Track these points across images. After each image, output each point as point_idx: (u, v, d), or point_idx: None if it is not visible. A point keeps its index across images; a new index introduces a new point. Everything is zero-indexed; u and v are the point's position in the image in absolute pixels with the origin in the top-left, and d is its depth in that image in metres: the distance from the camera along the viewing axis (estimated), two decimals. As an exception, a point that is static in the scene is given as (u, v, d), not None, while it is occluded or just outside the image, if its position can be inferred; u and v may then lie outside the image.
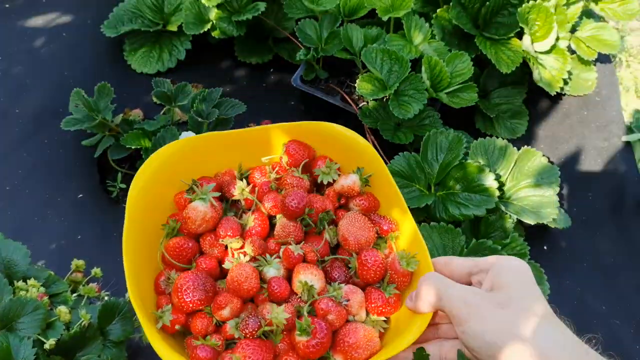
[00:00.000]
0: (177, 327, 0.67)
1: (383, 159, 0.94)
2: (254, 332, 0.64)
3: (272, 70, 1.32)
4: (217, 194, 0.72)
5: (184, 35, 1.30)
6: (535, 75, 1.19)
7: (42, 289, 0.77)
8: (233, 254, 0.71)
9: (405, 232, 0.72)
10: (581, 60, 1.31)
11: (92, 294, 0.84)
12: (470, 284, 0.60)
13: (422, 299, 0.60)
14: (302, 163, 0.76)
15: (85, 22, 1.36)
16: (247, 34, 1.32)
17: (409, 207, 0.80)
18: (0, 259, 0.81)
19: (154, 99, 1.23)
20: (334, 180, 0.76)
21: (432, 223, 0.92)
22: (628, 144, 1.22)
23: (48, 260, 0.96)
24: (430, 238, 0.91)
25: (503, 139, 1.19)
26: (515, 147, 1.00)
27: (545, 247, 1.06)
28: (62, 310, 0.76)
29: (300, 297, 0.67)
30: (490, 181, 0.91)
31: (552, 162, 1.19)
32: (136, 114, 1.19)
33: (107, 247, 1.00)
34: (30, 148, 1.12)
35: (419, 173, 0.97)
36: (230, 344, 0.66)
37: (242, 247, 0.72)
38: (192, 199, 0.70)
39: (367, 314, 0.68)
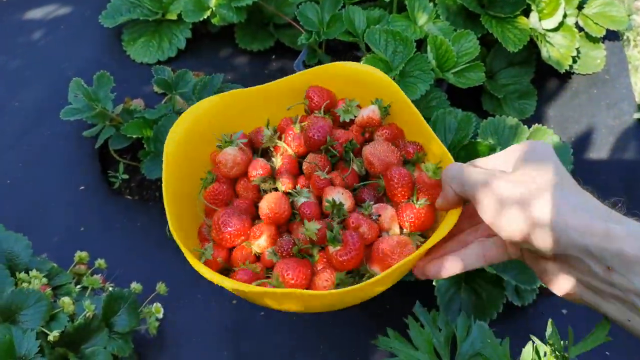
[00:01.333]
0: (218, 259, 0.68)
1: None
2: (289, 251, 0.66)
3: (273, 56, 1.30)
4: (245, 140, 0.74)
5: (184, 24, 1.28)
6: (544, 54, 1.16)
7: (44, 281, 0.76)
8: (266, 192, 0.72)
9: (433, 152, 0.71)
10: (589, 38, 1.28)
11: (97, 285, 0.82)
12: None
13: (447, 190, 0.58)
14: (323, 105, 0.77)
15: (83, 14, 1.34)
16: (248, 21, 1.29)
17: None
18: (1, 250, 0.79)
19: (155, 89, 1.21)
20: (355, 117, 0.77)
21: (442, 205, 0.89)
22: (638, 122, 1.19)
23: (51, 253, 0.93)
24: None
25: (512, 119, 1.18)
26: (526, 126, 0.97)
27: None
28: (66, 301, 0.74)
29: (331, 218, 0.67)
30: (501, 160, 0.88)
31: (563, 142, 1.17)
32: (137, 103, 1.16)
33: (111, 239, 0.98)
34: (30, 141, 1.10)
35: (428, 155, 0.94)
36: (269, 271, 0.67)
37: (274, 188, 0.73)
38: (222, 147, 0.73)
39: (401, 230, 0.67)
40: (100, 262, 0.86)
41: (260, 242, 0.68)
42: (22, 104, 1.16)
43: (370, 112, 0.76)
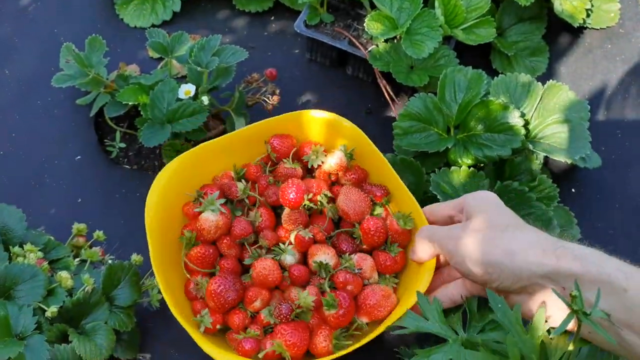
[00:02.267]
0: (218, 327, 0.75)
1: (394, 102, 0.93)
2: (287, 317, 0.72)
3: (273, 18, 1.24)
4: (223, 201, 0.78)
5: (178, -15, 1.22)
6: (557, 7, 1.10)
7: (40, 254, 0.73)
8: (250, 251, 0.79)
9: (397, 193, 0.81)
10: (605, -10, 1.22)
11: (95, 259, 0.79)
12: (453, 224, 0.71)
13: (420, 250, 0.72)
14: (291, 153, 0.85)
15: (72, -23, 1.28)
16: (245, -20, 1.23)
17: (427, 152, 0.86)
18: (-6, 224, 0.76)
19: (151, 54, 1.17)
20: (323, 162, 0.84)
21: (452, 167, 0.85)
22: (658, 77, 1.14)
23: (48, 225, 0.91)
24: (451, 183, 0.84)
25: (523, 77, 1.13)
26: (539, 83, 0.92)
27: (573, 190, 1.00)
28: (63, 275, 0.71)
29: (318, 275, 0.76)
30: (515, 119, 0.84)
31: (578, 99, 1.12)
32: (132, 69, 1.12)
33: (109, 209, 0.95)
34: (22, 110, 1.06)
35: (437, 115, 0.90)
36: (266, 330, 0.75)
37: (255, 242, 0.81)
38: (201, 211, 0.77)
39: (379, 274, 0.78)
40: (99, 234, 0.84)
41: (256, 305, 0.75)
42: (12, 72, 1.11)
43: (337, 159, 0.83)
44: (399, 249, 0.77)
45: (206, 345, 0.68)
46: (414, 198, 0.77)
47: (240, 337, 0.73)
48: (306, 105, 1.12)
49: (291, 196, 0.78)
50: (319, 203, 0.81)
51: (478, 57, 1.16)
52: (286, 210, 0.81)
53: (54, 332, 0.69)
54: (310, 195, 0.80)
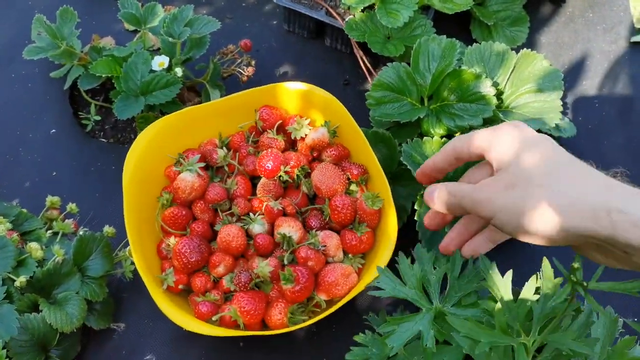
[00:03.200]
0: (180, 286, 0.76)
1: (371, 74, 0.93)
2: (246, 285, 0.73)
3: (251, -13, 1.22)
4: (203, 164, 0.80)
5: (154, -46, 1.20)
6: (536, -25, 1.09)
7: (9, 226, 0.73)
8: (221, 217, 0.80)
9: (373, 173, 0.81)
10: (586, -42, 1.20)
11: (68, 230, 0.80)
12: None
13: (438, 200, 0.62)
14: (276, 125, 0.85)
15: (47, -53, 1.25)
16: (222, -51, 1.21)
17: (400, 121, 0.85)
18: (-37, 197, 0.76)
19: (126, 26, 1.15)
20: (306, 135, 0.84)
21: (425, 138, 0.85)
22: (637, 45, 1.13)
23: (23, 199, 0.91)
24: (424, 153, 0.84)
25: (502, 47, 1.12)
26: (514, 52, 0.91)
27: (548, 159, 1.00)
28: (33, 246, 0.72)
29: (281, 248, 0.77)
30: (487, 88, 0.84)
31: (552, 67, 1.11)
32: (107, 42, 1.11)
33: (84, 183, 0.95)
34: (-4, 84, 1.05)
35: (411, 85, 0.89)
36: (228, 297, 0.76)
37: (229, 209, 0.81)
38: (180, 171, 0.79)
39: (345, 254, 0.78)
40: (72, 207, 0.84)
41: (219, 270, 0.76)
42: (-14, 45, 1.10)
43: (320, 134, 0.83)
44: (367, 229, 0.77)
45: (161, 301, 0.69)
46: (385, 178, 0.77)
47: (199, 299, 0.74)
48: (283, 77, 1.11)
49: (268, 165, 0.79)
50: (295, 177, 0.82)
51: (458, 27, 1.15)
52: (262, 180, 0.82)
53: (25, 302, 0.69)
54: (288, 168, 0.80)
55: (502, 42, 1.13)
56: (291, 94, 0.87)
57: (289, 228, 0.76)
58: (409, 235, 0.83)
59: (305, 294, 0.71)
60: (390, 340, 0.60)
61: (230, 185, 0.82)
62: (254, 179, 0.85)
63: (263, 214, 0.79)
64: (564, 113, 1.03)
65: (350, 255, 0.78)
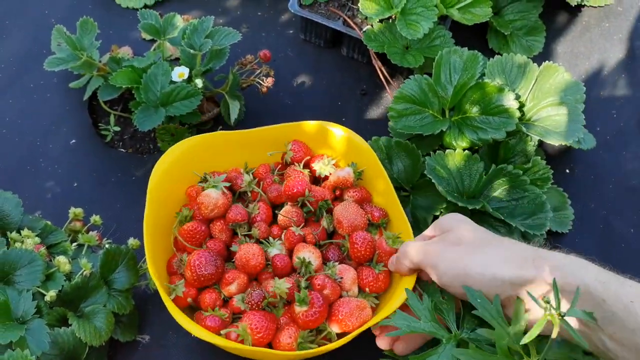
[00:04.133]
0: (188, 299, 0.74)
1: (389, 84, 0.93)
2: (259, 304, 0.72)
3: (267, -3, 1.23)
4: (228, 184, 0.81)
5: (170, -36, 1.20)
6: (554, -15, 1.09)
7: (37, 240, 0.73)
8: (240, 237, 0.80)
9: (394, 217, 0.81)
10: (602, -33, 1.20)
11: (93, 243, 0.80)
12: None
13: (400, 264, 0.70)
14: (304, 160, 0.86)
15: (63, -44, 1.25)
16: (238, -41, 1.21)
17: (422, 134, 0.85)
18: (-10, 210, 0.76)
19: (143, 35, 1.15)
20: (331, 174, 0.84)
21: (447, 150, 0.86)
22: (654, 56, 1.14)
23: (44, 210, 0.91)
24: (447, 166, 0.85)
25: (519, 57, 1.12)
26: (535, 64, 0.92)
27: (567, 171, 1.00)
28: (61, 260, 0.72)
29: (299, 273, 0.76)
30: (510, 101, 0.84)
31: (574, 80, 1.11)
32: (125, 51, 1.11)
33: (105, 193, 0.95)
34: (15, 94, 1.05)
35: (432, 97, 0.90)
36: (237, 318, 0.74)
37: (248, 232, 0.81)
38: (205, 187, 0.79)
39: (360, 291, 0.76)
40: (96, 219, 0.84)
41: (231, 288, 0.74)
42: (4, 55, 1.10)
43: (345, 173, 0.83)
44: (384, 268, 0.76)
45: (172, 307, 0.68)
46: (408, 223, 0.76)
47: (207, 313, 0.72)
48: (301, 87, 1.11)
49: (293, 188, 0.79)
50: (318, 209, 0.82)
51: (474, 36, 1.16)
52: (285, 206, 0.82)
53: (54, 316, 0.69)
54: (312, 199, 0.80)
55: (518, 51, 1.14)
56: (325, 133, 0.86)
57: (309, 253, 0.75)
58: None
59: (318, 321, 0.70)
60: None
61: (252, 209, 0.82)
62: (275, 208, 0.84)
63: (282, 240, 0.79)
64: (582, 124, 1.04)
65: (365, 293, 0.76)
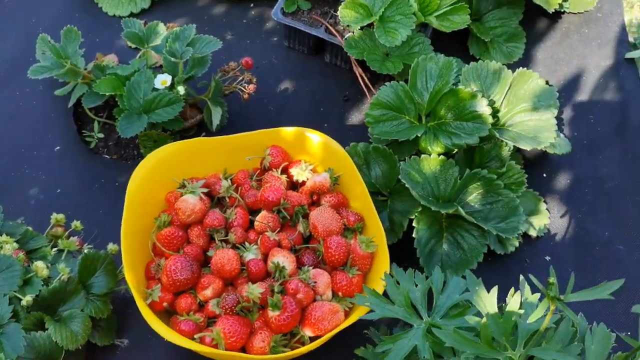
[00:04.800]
0: (164, 304, 0.76)
1: (370, 90, 0.94)
2: (233, 308, 0.73)
3: (252, 5, 1.24)
4: (206, 190, 0.82)
5: (156, -28, 1.22)
6: (532, -8, 1.11)
7: (15, 245, 0.74)
8: (217, 242, 0.80)
9: (369, 221, 0.82)
10: (582, -27, 1.22)
11: (73, 248, 0.81)
12: None
13: None
14: (282, 166, 0.87)
15: (51, -35, 1.27)
16: (223, -33, 1.23)
17: (398, 139, 0.85)
18: (-30, 216, 0.78)
19: (129, 43, 1.17)
20: (308, 179, 0.86)
21: (422, 156, 0.87)
22: (632, 61, 1.15)
23: (28, 217, 0.92)
24: (422, 171, 0.86)
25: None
26: (510, 70, 0.93)
27: (544, 175, 1.01)
28: (39, 265, 0.73)
29: (273, 277, 0.77)
30: (483, 107, 0.86)
31: (550, 85, 1.13)
32: (110, 59, 1.12)
33: (88, 200, 0.96)
34: (1, 101, 1.07)
35: (409, 103, 0.91)
36: (212, 322, 0.74)
37: (225, 237, 0.81)
38: (183, 193, 0.81)
39: (334, 295, 0.77)
40: (76, 224, 0.85)
41: (206, 293, 0.75)
42: (-8, 63, 1.12)
43: (322, 179, 0.85)
44: (358, 272, 0.77)
45: (146, 312, 0.69)
46: (381, 228, 0.78)
47: (182, 318, 0.73)
48: (284, 93, 1.13)
49: (270, 195, 0.81)
50: (294, 214, 0.83)
51: (456, 43, 1.17)
52: (261, 212, 0.83)
53: (31, 320, 0.71)
54: (288, 204, 0.81)
55: (499, 57, 1.16)
56: (302, 139, 0.88)
57: (283, 258, 0.76)
58: (404, 251, 0.85)
59: (290, 325, 0.71)
60: (389, 358, 0.61)
61: (229, 215, 0.83)
62: (252, 214, 0.85)
63: (258, 245, 0.80)
64: (560, 129, 1.05)
65: (339, 297, 0.77)
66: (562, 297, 0.52)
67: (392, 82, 0.92)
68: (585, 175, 1.01)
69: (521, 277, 0.64)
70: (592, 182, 1.00)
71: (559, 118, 1.07)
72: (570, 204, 0.98)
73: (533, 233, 0.93)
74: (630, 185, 1.00)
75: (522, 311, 0.59)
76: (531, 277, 0.55)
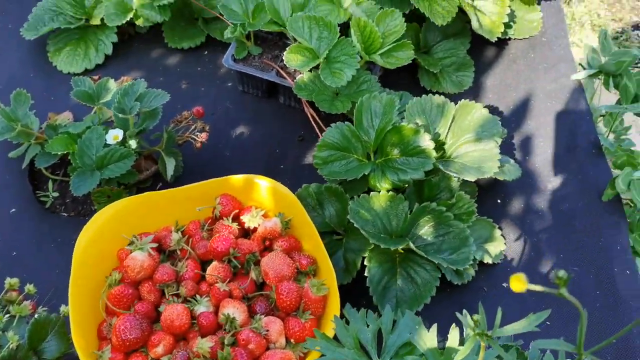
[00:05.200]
0: None
1: (322, 130, 0.95)
2: None
3: (206, 52, 1.27)
4: (155, 245, 0.82)
5: (109, 28, 1.24)
6: (474, 23, 1.14)
7: (-38, 315, 0.74)
8: (167, 297, 0.81)
9: (321, 263, 0.83)
10: (524, 1, 1.25)
11: (25, 313, 0.80)
12: None
13: None
14: (232, 214, 0.88)
15: (6, 27, 1.29)
16: (175, 18, 1.26)
17: (346, 179, 0.88)
18: None
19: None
20: (259, 225, 0.86)
21: (372, 193, 0.88)
22: (578, 83, 1.18)
23: (-17, 282, 0.92)
24: (372, 208, 0.87)
25: (450, 93, 1.16)
26: (453, 103, 0.95)
27: (499, 201, 1.02)
28: (-13, 335, 0.72)
29: (224, 329, 0.76)
30: (426, 142, 0.87)
31: (501, 112, 1.16)
32: (65, 117, 1.13)
33: (45, 260, 0.96)
34: (-43, 166, 1.07)
35: (355, 142, 0.93)
36: None
37: (176, 291, 0.81)
38: (131, 250, 0.81)
39: (288, 341, 0.78)
40: (30, 288, 0.85)
41: (158, 350, 0.75)
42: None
43: (272, 224, 0.86)
44: (311, 316, 0.78)
45: None
46: (333, 271, 0.79)
47: None
48: (240, 137, 1.14)
49: (219, 246, 0.81)
50: (245, 262, 0.83)
51: (407, 75, 1.20)
52: (212, 263, 0.83)
53: (-20, 392, 0.70)
54: (238, 253, 0.82)
55: (449, 87, 1.18)
56: (251, 186, 0.89)
57: (233, 309, 0.76)
58: (360, 290, 0.85)
59: None
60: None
61: (180, 268, 0.83)
62: (204, 265, 0.86)
63: (209, 297, 0.80)
64: (510, 154, 1.07)
65: (292, 343, 0.77)
66: (489, 332, 0.52)
67: (337, 122, 0.93)
68: (538, 199, 1.02)
69: (464, 311, 0.64)
70: (545, 205, 1.02)
71: (509, 143, 1.10)
72: (524, 228, 0.99)
73: (489, 260, 0.93)
74: (582, 206, 1.01)
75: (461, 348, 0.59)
76: (457, 313, 0.55)
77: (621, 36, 1.80)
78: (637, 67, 1.48)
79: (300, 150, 1.12)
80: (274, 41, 1.19)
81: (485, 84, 1.19)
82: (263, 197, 0.89)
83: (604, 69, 1.09)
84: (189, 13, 1.28)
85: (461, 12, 1.15)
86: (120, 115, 0.96)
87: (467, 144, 0.91)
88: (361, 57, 1.03)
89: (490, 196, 1.02)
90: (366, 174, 0.89)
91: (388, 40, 1.05)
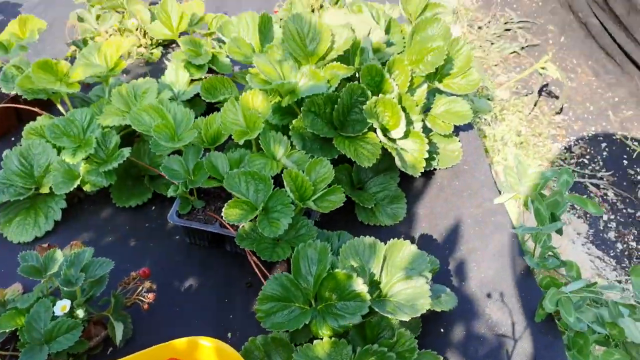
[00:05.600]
0: None
1: (267, 277, 0.97)
2: None
3: (153, 207, 1.33)
4: None
5: (58, 195, 1.30)
6: (398, 162, 1.24)
7: None
8: None
9: None
10: (443, 135, 1.38)
11: None
12: None
13: None
14: None
15: (-43, 202, 1.33)
16: (122, 178, 1.33)
17: (288, 330, 0.86)
18: None
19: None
20: None
21: (315, 341, 0.91)
22: (502, 205, 1.27)
23: None
24: (316, 356, 0.90)
25: (387, 226, 1.23)
26: (383, 243, 1.02)
27: (442, 330, 1.07)
28: None
29: None
30: (360, 286, 0.92)
31: (435, 239, 1.23)
32: (14, 289, 1.15)
33: None
34: None
35: (295, 291, 0.97)
36: None
37: None
38: None
39: None
40: None
41: None
42: None
43: None
44: None
45: None
46: None
47: None
48: (189, 290, 1.17)
49: None
50: None
51: (346, 211, 1.27)
52: None
53: None
54: None
55: (385, 220, 1.26)
56: (196, 347, 0.91)
57: None
58: None
59: None
60: None
61: None
62: None
63: None
64: (447, 282, 1.13)
65: None
66: None
67: (275, 275, 0.98)
68: (477, 324, 1.07)
69: None
70: (485, 329, 1.06)
71: (445, 270, 1.16)
72: (468, 355, 1.02)
73: (437, 394, 0.95)
74: (518, 329, 1.06)
75: None
76: None
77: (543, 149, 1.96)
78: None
79: (249, 297, 1.15)
80: (216, 192, 1.26)
81: (417, 214, 1.28)
82: (208, 357, 0.90)
83: (520, 193, 1.19)
84: (135, 172, 1.36)
85: (385, 151, 1.25)
86: (65, 289, 0.98)
87: (400, 282, 0.97)
88: (296, 205, 1.10)
89: (433, 326, 1.06)
90: (307, 323, 0.92)
91: (319, 186, 1.13)
